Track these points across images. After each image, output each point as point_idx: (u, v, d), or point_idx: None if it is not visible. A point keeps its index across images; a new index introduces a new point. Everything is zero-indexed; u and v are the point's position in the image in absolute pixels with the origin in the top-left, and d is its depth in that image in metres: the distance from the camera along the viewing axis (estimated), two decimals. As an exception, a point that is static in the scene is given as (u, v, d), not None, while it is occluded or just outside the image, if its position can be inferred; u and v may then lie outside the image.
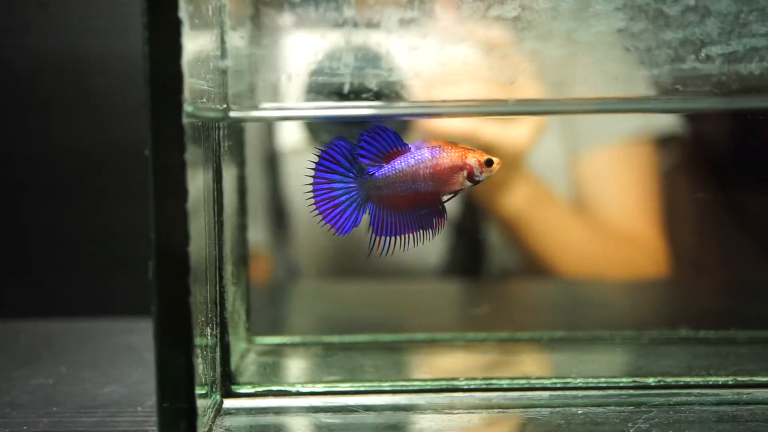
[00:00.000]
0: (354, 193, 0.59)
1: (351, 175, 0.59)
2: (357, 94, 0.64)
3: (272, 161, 1.11)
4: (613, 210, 1.11)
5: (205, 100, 0.55)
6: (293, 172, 1.10)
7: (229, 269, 0.63)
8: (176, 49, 0.48)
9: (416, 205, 0.59)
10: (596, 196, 1.11)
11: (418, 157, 0.59)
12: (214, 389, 0.60)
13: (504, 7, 0.63)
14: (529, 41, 0.64)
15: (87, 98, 1.17)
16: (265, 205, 1.12)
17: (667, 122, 1.10)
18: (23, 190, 1.18)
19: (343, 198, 0.59)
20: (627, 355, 0.74)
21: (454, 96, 0.65)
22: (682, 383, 0.63)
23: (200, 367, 0.53)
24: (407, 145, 0.59)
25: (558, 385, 0.63)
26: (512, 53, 0.65)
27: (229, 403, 0.62)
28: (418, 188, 0.59)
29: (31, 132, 1.17)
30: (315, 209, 0.59)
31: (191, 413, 0.49)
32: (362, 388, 0.64)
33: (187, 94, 0.48)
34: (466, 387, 0.63)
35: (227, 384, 0.63)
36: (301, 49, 0.65)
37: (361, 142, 0.59)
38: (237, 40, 0.63)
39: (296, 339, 0.78)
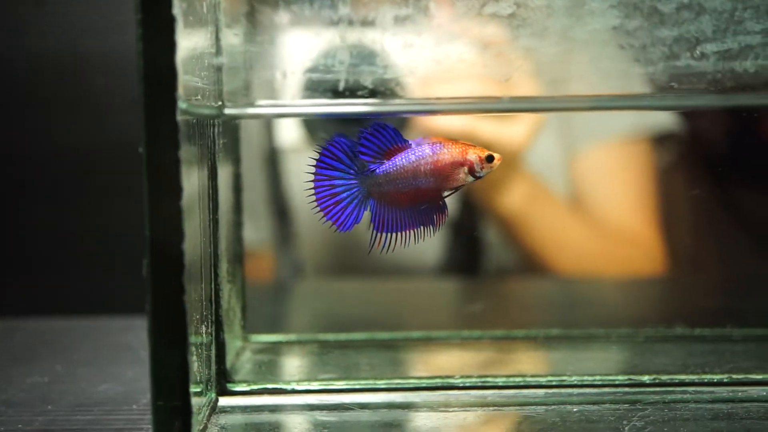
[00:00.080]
0: (355, 189, 0.59)
1: (352, 171, 0.59)
2: (352, 91, 0.64)
3: (272, 159, 1.11)
4: (610, 208, 1.11)
5: (199, 97, 0.55)
6: (293, 169, 1.10)
7: (224, 267, 0.63)
8: (170, 46, 0.47)
9: (417, 201, 0.59)
10: (593, 193, 1.11)
11: (419, 154, 0.59)
12: (209, 387, 0.60)
13: (499, 4, 0.63)
14: (524, 39, 0.64)
15: (86, 98, 1.17)
16: (265, 204, 1.12)
17: (663, 120, 1.10)
18: (23, 190, 1.18)
19: (344, 194, 0.59)
20: (622, 352, 0.74)
21: (449, 93, 0.65)
22: (677, 381, 0.63)
23: (195, 365, 0.53)
24: (407, 141, 0.59)
25: (553, 383, 0.63)
26: (507, 51, 0.65)
27: (224, 401, 0.62)
28: (419, 184, 0.59)
29: (31, 132, 1.17)
30: (316, 206, 0.59)
31: (186, 411, 0.49)
32: (358, 386, 0.63)
33: (181, 91, 0.48)
34: (461, 385, 0.63)
35: (222, 382, 0.63)
36: (297, 47, 0.65)
37: (362, 139, 0.59)
38: (232, 37, 0.63)
39: (292, 337, 0.77)
